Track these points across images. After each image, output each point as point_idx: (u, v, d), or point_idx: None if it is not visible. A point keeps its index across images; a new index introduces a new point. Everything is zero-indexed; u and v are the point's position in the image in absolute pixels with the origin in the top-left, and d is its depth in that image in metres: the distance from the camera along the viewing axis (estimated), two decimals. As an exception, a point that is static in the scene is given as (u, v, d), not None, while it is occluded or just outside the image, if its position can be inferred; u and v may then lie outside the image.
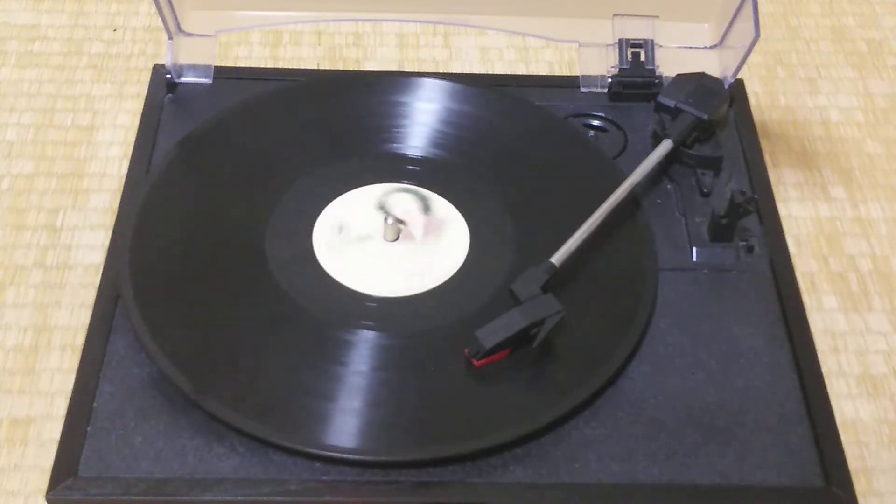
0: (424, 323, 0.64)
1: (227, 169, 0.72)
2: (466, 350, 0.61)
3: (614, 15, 0.78)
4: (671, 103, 0.72)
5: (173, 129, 0.74)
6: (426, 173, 0.71)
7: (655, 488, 0.58)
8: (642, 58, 0.78)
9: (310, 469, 0.58)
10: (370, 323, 0.63)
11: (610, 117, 0.76)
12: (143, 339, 0.61)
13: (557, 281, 0.64)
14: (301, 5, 0.78)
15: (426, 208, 0.69)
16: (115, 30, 0.91)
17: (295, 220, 0.69)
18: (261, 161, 0.72)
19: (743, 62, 0.74)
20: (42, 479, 0.63)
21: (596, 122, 0.76)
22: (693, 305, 0.66)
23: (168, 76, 0.76)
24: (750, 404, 0.61)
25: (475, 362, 0.60)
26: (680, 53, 0.78)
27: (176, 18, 0.76)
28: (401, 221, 0.68)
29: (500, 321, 0.60)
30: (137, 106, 0.79)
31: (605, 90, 0.78)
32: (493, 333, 0.60)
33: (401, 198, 0.70)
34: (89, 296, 0.70)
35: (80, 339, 0.67)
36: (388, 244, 0.68)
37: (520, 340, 0.61)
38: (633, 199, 0.69)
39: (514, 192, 0.71)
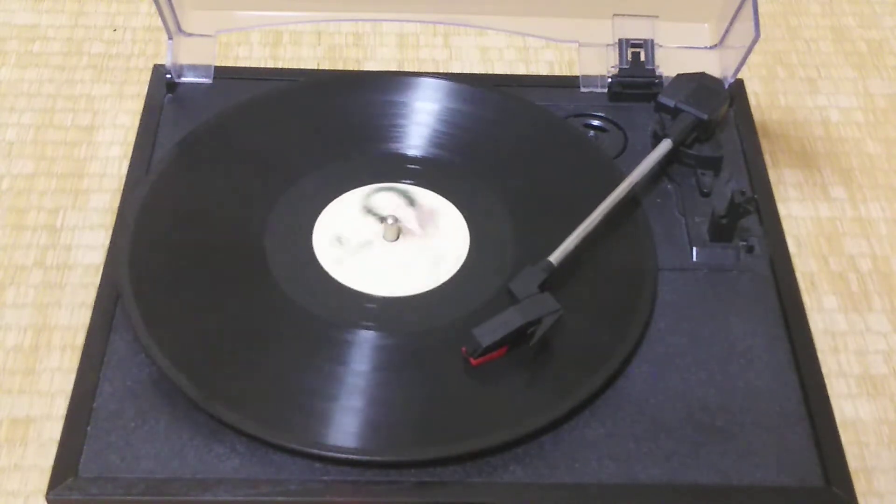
0: (424, 323, 0.64)
1: (227, 169, 0.72)
2: (464, 348, 0.61)
3: (614, 15, 0.78)
4: (671, 103, 0.72)
5: (173, 129, 0.74)
6: (426, 173, 0.71)
7: (655, 488, 0.58)
8: (642, 58, 0.78)
9: (310, 469, 0.58)
10: (370, 323, 0.63)
11: (610, 117, 0.76)
12: (143, 340, 0.61)
13: (558, 280, 0.64)
14: (301, 5, 0.78)
15: (411, 202, 0.69)
16: (115, 30, 0.91)
17: (295, 219, 0.69)
18: (261, 161, 0.72)
19: (743, 62, 0.74)
20: (42, 479, 0.63)
21: (596, 122, 0.76)
22: (693, 305, 0.66)
23: (168, 76, 0.76)
24: (750, 404, 0.61)
25: (472, 360, 0.60)
26: (680, 53, 0.78)
27: (176, 18, 0.76)
28: (395, 219, 0.68)
29: (498, 319, 0.60)
30: (137, 106, 0.79)
31: (605, 90, 0.78)
32: (489, 332, 0.60)
33: (383, 197, 0.70)
34: (89, 296, 0.70)
35: (80, 339, 0.67)
36: (387, 244, 0.68)
37: (517, 339, 0.61)
38: (632, 198, 0.69)
39: (514, 192, 0.71)
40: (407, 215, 0.69)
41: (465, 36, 0.91)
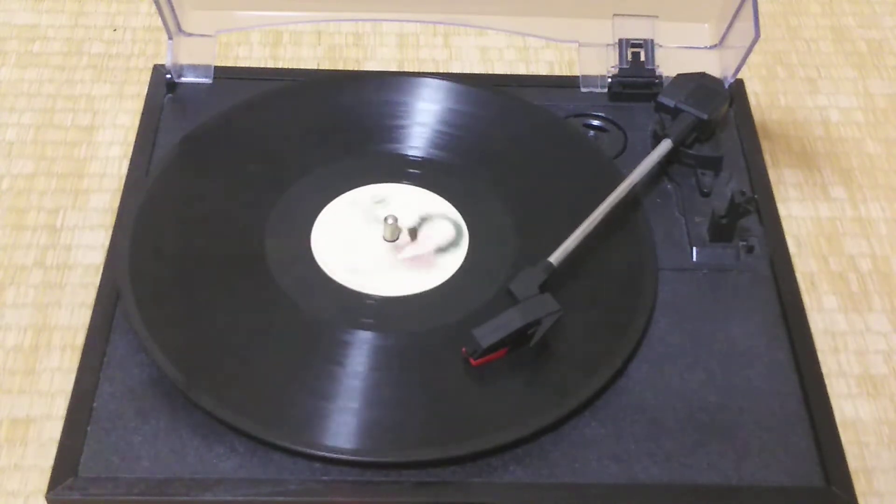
0: (424, 323, 0.64)
1: (227, 169, 0.72)
2: (464, 349, 0.61)
3: (614, 15, 0.78)
4: (671, 103, 0.72)
5: (173, 129, 0.74)
6: (426, 173, 0.71)
7: (655, 488, 0.58)
8: (642, 58, 0.78)
9: (310, 469, 0.58)
10: (370, 323, 0.63)
11: (610, 117, 0.76)
12: (142, 339, 0.61)
13: (558, 281, 0.64)
14: (301, 5, 0.78)
15: (455, 240, 0.68)
16: (115, 30, 0.91)
17: (294, 219, 0.69)
18: (260, 161, 0.72)
19: (743, 62, 0.74)
20: (42, 479, 0.63)
21: (596, 122, 0.76)
22: (693, 305, 0.66)
23: (168, 76, 0.76)
24: (750, 404, 0.61)
25: (472, 361, 0.60)
26: (680, 53, 0.78)
27: (176, 18, 0.76)
28: (395, 219, 0.67)
29: (498, 320, 0.60)
30: (137, 106, 0.79)
31: (605, 90, 0.78)
32: (490, 333, 0.60)
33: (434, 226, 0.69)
34: (89, 296, 0.70)
35: (80, 339, 0.67)
36: (387, 244, 0.68)
37: (517, 340, 0.61)
38: (633, 198, 0.69)
39: (514, 192, 0.71)
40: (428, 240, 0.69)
41: (465, 36, 0.91)
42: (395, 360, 0.62)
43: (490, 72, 0.88)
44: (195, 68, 0.77)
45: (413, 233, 0.68)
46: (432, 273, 0.66)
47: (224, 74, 0.78)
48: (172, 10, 0.75)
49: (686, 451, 0.59)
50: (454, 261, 0.67)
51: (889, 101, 0.87)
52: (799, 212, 0.79)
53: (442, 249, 0.67)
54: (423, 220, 0.69)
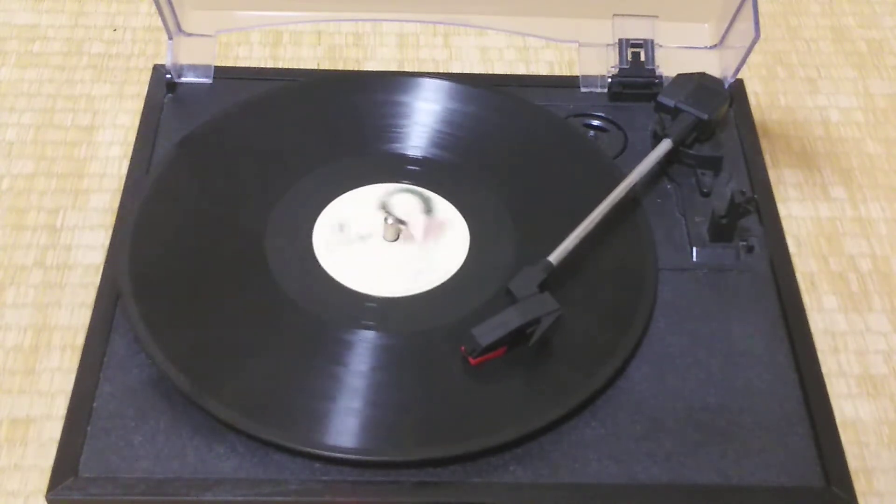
0: (424, 323, 0.64)
1: (227, 169, 0.72)
2: (463, 347, 0.61)
3: (614, 15, 0.78)
4: (671, 103, 0.72)
5: (173, 129, 0.74)
6: (426, 173, 0.71)
7: (655, 488, 0.58)
8: (642, 58, 0.78)
9: (310, 469, 0.58)
10: (370, 323, 0.63)
11: (610, 117, 0.76)
12: (143, 339, 0.61)
13: (558, 280, 0.64)
14: (301, 5, 0.78)
15: (428, 209, 0.69)
16: (115, 30, 0.91)
17: (295, 220, 0.69)
18: (261, 161, 0.72)
19: (743, 62, 0.74)
20: (42, 479, 0.63)
21: (596, 122, 0.76)
22: (693, 305, 0.66)
23: (168, 76, 0.76)
24: (750, 404, 0.61)
25: (471, 360, 0.61)
26: (680, 53, 0.78)
27: (176, 18, 0.76)
28: (401, 222, 0.68)
29: (497, 319, 0.60)
30: (137, 106, 0.79)
31: (605, 90, 0.78)
32: (489, 331, 0.60)
33: (403, 198, 0.70)
34: (89, 296, 0.70)
35: (80, 339, 0.67)
36: (388, 244, 0.68)
37: (516, 339, 0.61)
38: (633, 198, 0.69)
39: (514, 192, 0.71)
40: (410, 216, 0.69)
41: (465, 36, 0.91)
42: (394, 360, 0.62)
43: (490, 72, 0.88)
44: (195, 68, 0.77)
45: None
46: (448, 236, 0.67)
47: (224, 74, 0.78)
48: (172, 10, 0.75)
49: (686, 451, 0.59)
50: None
51: (889, 101, 0.87)
52: (799, 212, 0.79)
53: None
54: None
